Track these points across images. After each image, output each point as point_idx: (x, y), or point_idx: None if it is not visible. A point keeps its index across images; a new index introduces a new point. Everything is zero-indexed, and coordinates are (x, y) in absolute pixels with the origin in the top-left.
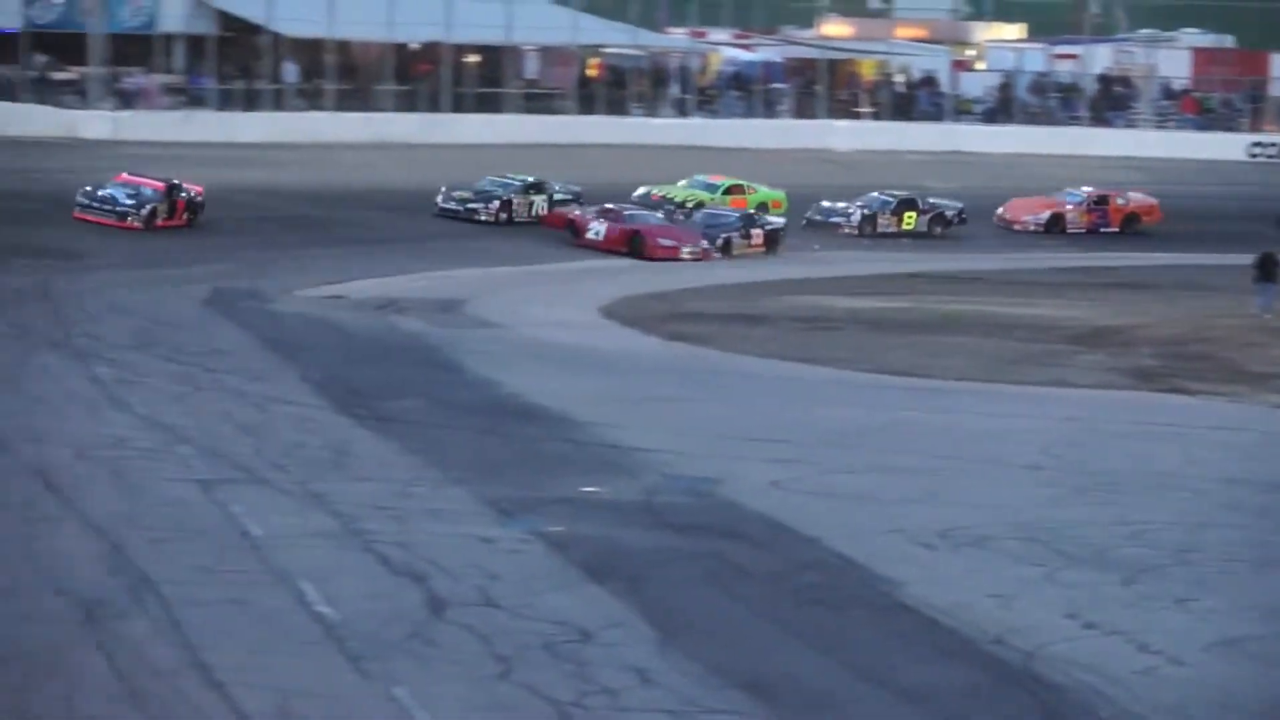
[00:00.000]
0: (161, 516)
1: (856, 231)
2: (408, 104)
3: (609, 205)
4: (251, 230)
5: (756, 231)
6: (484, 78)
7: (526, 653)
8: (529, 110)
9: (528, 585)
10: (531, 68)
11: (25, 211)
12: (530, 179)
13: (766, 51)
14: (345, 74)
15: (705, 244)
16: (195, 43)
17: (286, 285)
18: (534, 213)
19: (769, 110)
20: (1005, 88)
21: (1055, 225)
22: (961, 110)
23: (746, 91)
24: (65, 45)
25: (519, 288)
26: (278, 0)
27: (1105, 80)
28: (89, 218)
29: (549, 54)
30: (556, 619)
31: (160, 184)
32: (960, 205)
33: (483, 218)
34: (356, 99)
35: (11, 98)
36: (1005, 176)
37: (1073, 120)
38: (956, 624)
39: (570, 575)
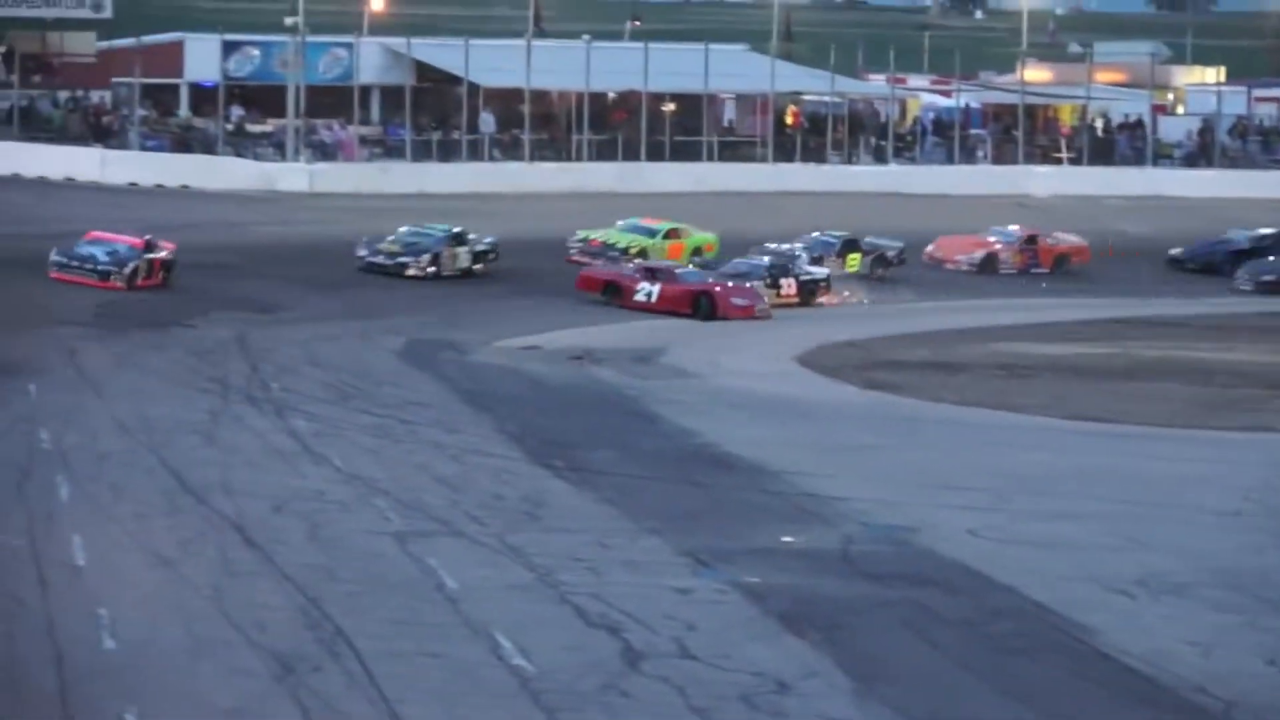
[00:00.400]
0: (357, 569)
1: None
2: (604, 153)
3: (650, 264)
4: (446, 282)
5: (787, 281)
6: (680, 126)
7: (723, 704)
8: (725, 158)
9: (724, 636)
10: (728, 115)
11: (223, 264)
12: (453, 229)
13: (966, 97)
14: (542, 123)
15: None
16: (391, 94)
17: (482, 336)
18: (458, 266)
19: (968, 156)
20: (1205, 132)
21: (989, 265)
22: (1162, 154)
23: (945, 137)
24: (262, 98)
25: (713, 337)
26: (475, 51)
27: None
28: (67, 277)
29: (745, 101)
30: (754, 670)
31: (139, 241)
32: (900, 245)
33: (412, 272)
34: (553, 148)
35: (209, 151)
36: (1206, 221)
37: (1274, 164)
38: (1155, 672)
39: (767, 625)
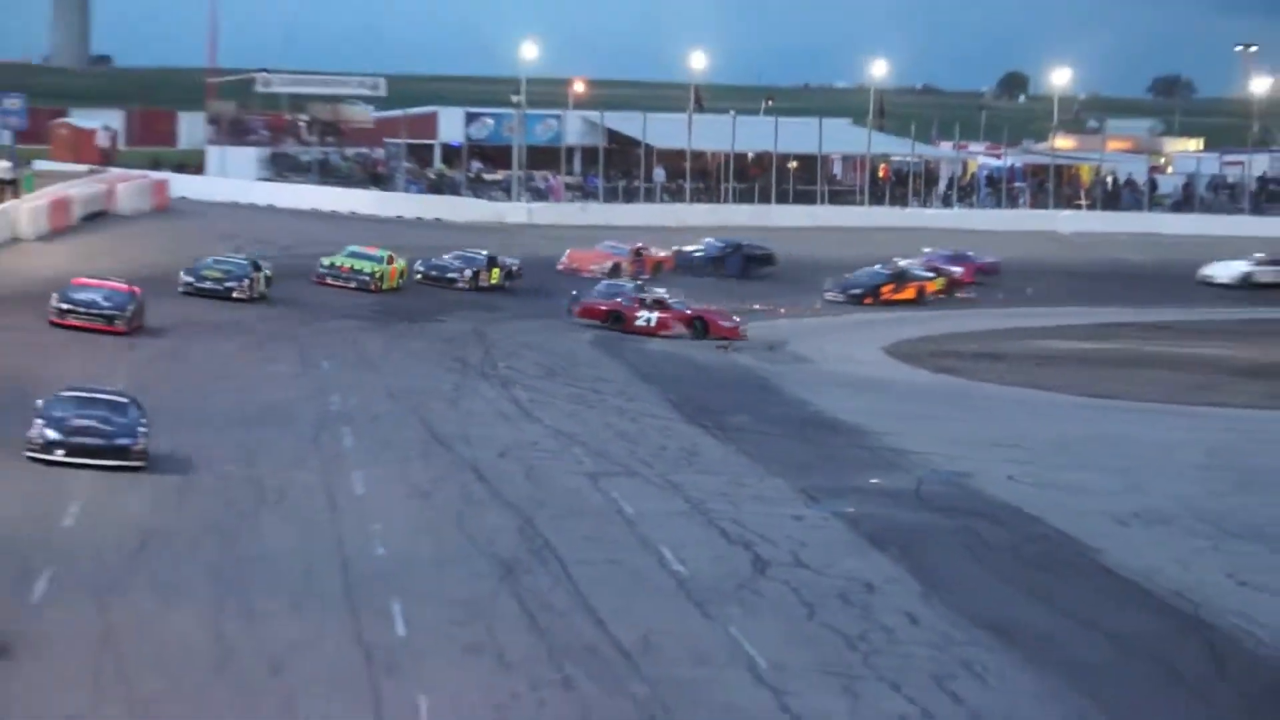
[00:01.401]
0: (561, 500)
1: (468, 285)
2: (744, 197)
3: (641, 295)
4: None
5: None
6: (799, 178)
7: (826, 600)
8: (833, 202)
9: (828, 551)
10: (835, 171)
11: None
12: (254, 258)
13: (1011, 158)
14: (699, 176)
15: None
16: (589, 152)
17: None
18: (259, 290)
19: (1012, 202)
20: (1188, 186)
21: (615, 273)
22: (1156, 203)
23: (996, 188)
24: (494, 155)
25: (821, 335)
26: (651, 122)
27: (1262, 181)
28: (70, 322)
29: (848, 160)
30: (849, 576)
31: (129, 287)
32: (517, 261)
33: (238, 294)
34: (706, 194)
35: (456, 193)
36: (1189, 252)
37: (1238, 210)
38: (1145, 583)
39: (860, 544)
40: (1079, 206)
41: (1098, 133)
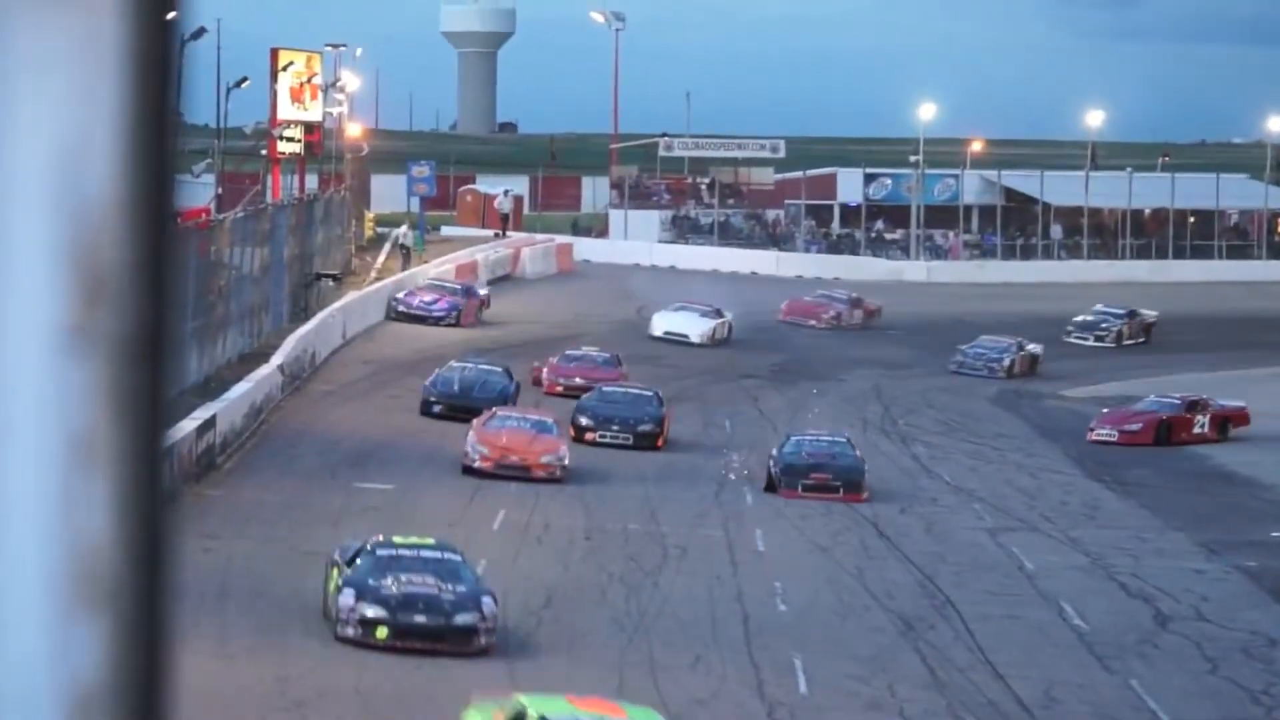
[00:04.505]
0: (960, 554)
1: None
2: (1141, 253)
3: (1116, 409)
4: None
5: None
6: (1197, 233)
7: (1229, 654)
8: (1230, 257)
9: (1230, 605)
10: (1233, 223)
11: (867, 331)
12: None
13: None
14: (1095, 232)
15: None
16: (986, 211)
17: (1053, 388)
18: None
19: None
20: None
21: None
22: None
23: None
24: (893, 214)
25: (1216, 387)
26: (1048, 179)
27: None
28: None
29: (1245, 215)
30: (1251, 629)
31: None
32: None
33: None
34: (1103, 250)
35: (854, 252)
36: None
37: None
38: None
39: (1262, 598)
40: None
41: None
